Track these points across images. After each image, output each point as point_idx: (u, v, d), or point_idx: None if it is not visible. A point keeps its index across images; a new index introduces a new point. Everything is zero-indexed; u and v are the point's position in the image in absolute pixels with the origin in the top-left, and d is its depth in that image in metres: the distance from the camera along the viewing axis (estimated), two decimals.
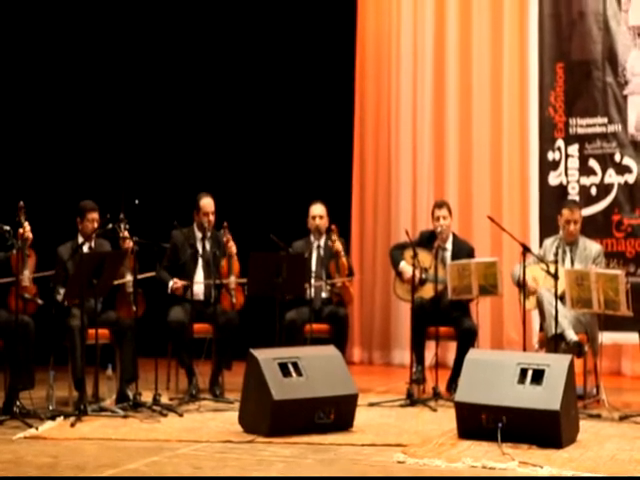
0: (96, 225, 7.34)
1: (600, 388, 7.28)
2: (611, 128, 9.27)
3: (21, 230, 6.59)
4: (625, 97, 9.23)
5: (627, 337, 8.39)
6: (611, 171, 9.26)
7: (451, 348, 8.76)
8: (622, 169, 9.22)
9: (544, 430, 5.61)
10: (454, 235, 8.23)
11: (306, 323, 7.88)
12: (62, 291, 6.98)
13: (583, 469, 5.08)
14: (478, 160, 10.02)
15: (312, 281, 8.04)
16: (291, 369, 6.11)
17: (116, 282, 7.18)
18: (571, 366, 5.82)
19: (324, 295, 8.21)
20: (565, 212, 7.71)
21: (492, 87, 9.97)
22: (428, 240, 8.00)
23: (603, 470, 5.06)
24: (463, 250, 8.05)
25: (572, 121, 9.45)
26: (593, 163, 9.35)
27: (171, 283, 7.71)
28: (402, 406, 7.16)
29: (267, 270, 7.36)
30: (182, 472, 5.02)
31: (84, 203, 7.44)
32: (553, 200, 9.33)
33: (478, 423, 5.76)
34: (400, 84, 10.43)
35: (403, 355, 9.96)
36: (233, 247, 7.78)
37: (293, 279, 7.50)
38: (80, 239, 7.38)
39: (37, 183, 9.74)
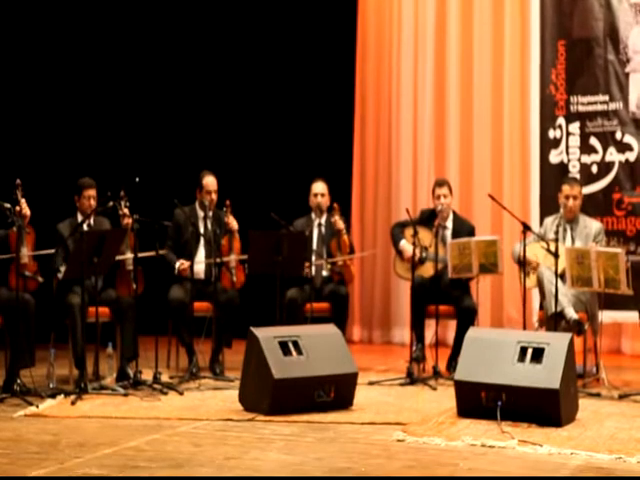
0: (93, 202, 7.33)
1: (600, 367, 7.29)
2: (612, 106, 9.24)
3: (18, 207, 6.59)
4: (626, 75, 9.19)
5: (627, 316, 8.39)
6: (612, 149, 9.23)
7: (451, 327, 8.78)
8: (623, 147, 9.20)
9: (544, 409, 5.62)
10: (455, 213, 8.22)
11: (306, 302, 7.90)
12: (62, 268, 6.98)
13: (582, 448, 5.10)
14: (479, 138, 9.99)
15: (313, 259, 8.04)
16: (291, 348, 6.12)
17: (117, 258, 7.16)
18: (571, 344, 5.83)
19: (325, 273, 8.21)
20: (565, 188, 7.71)
21: (493, 65, 9.93)
22: (429, 219, 8.00)
23: (603, 449, 5.07)
24: (464, 228, 8.04)
25: (573, 99, 9.42)
26: (594, 141, 9.32)
27: (178, 264, 7.70)
28: (402, 385, 7.17)
29: (267, 248, 7.36)
30: (182, 450, 5.03)
31: (81, 180, 7.43)
32: (554, 178, 9.31)
33: (478, 401, 5.78)
34: (401, 62, 10.38)
35: (403, 334, 9.98)
36: (235, 224, 7.78)
37: (294, 257, 7.51)
38: (79, 216, 7.37)
39: (38, 160, 9.73)
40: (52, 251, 7.22)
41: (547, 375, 5.66)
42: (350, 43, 10.58)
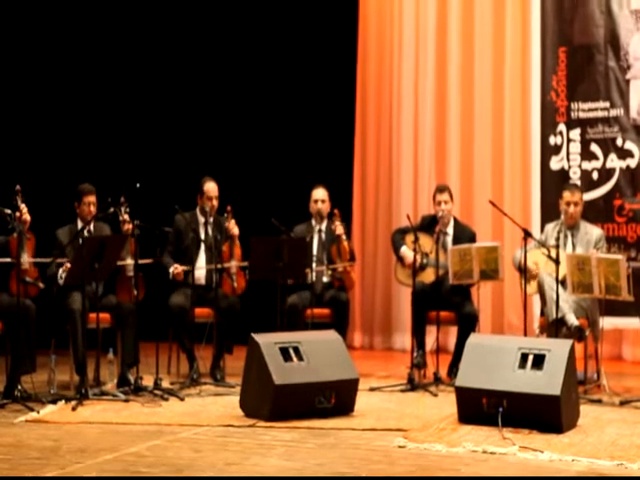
0: (93, 208, 7.33)
1: (601, 373, 7.28)
2: (613, 112, 9.24)
3: (18, 213, 6.59)
4: (627, 81, 9.19)
5: (628, 322, 8.40)
6: (613, 155, 9.23)
7: (452, 333, 8.78)
8: (624, 153, 9.19)
9: (545, 415, 5.61)
10: (455, 220, 8.22)
11: (307, 307, 7.90)
12: (63, 274, 6.97)
13: (584, 454, 5.09)
14: (480, 144, 9.99)
15: (313, 265, 8.04)
16: (292, 354, 6.12)
17: (117, 264, 7.16)
18: (572, 351, 5.82)
19: (325, 280, 8.20)
20: (565, 194, 7.71)
21: (494, 71, 9.93)
22: (429, 225, 8.00)
23: (604, 455, 5.06)
24: (465, 235, 8.04)
25: (574, 105, 9.42)
26: (595, 147, 9.32)
27: (172, 269, 7.70)
28: (403, 391, 7.16)
29: (268, 254, 7.36)
30: (183, 456, 5.03)
31: (81, 187, 7.43)
32: (554, 185, 9.30)
33: (479, 408, 5.77)
34: (402, 67, 10.39)
35: (404, 340, 9.96)
36: (235, 229, 7.78)
37: (294, 263, 7.51)
38: (79, 222, 7.37)
39: (38, 166, 9.73)
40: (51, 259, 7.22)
41: (548, 381, 5.66)
42: (351, 49, 10.57)
